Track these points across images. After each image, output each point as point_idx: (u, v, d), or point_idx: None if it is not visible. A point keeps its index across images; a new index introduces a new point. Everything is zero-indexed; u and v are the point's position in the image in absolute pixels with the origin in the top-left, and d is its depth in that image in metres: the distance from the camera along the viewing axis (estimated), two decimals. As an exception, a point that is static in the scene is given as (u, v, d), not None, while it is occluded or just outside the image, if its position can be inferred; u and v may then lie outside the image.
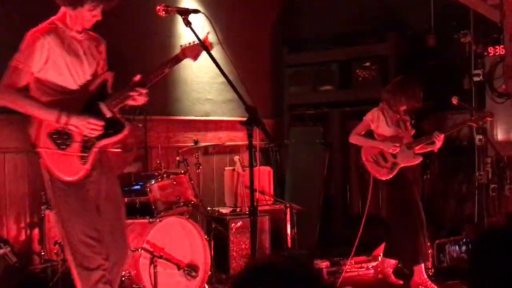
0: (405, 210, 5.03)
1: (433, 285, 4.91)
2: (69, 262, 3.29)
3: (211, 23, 3.14)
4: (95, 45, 3.36)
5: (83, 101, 3.22)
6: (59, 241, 4.55)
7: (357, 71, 6.85)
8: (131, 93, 3.25)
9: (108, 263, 3.31)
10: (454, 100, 5.08)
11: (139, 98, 3.30)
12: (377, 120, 5.14)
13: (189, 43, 3.33)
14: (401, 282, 5.13)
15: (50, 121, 3.12)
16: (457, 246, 5.37)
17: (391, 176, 5.06)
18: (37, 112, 3.11)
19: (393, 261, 5.20)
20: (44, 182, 3.30)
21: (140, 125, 5.70)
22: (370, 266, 5.43)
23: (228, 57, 3.03)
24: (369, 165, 5.15)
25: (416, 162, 5.11)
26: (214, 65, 6.81)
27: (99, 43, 3.41)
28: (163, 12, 3.02)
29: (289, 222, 6.31)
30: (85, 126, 3.12)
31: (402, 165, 5.03)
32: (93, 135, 3.19)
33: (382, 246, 5.46)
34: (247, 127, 2.92)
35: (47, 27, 3.17)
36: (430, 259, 5.14)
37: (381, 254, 5.35)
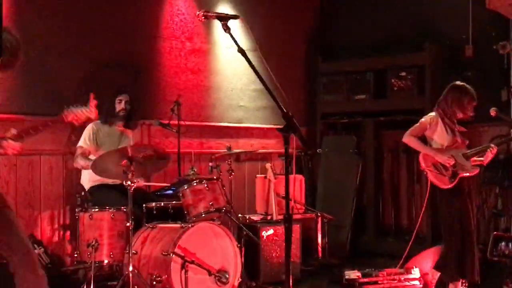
0: (455, 222, 4.90)
1: None
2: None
3: (248, 28, 3.15)
4: None
5: None
6: (92, 243, 4.60)
7: (393, 80, 6.81)
8: (4, 143, 3.33)
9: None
10: (493, 112, 4.97)
11: (9, 150, 3.36)
12: (435, 125, 4.93)
13: (76, 108, 3.47)
14: None
15: None
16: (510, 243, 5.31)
17: (452, 185, 4.86)
18: None
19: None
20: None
21: (174, 130, 5.75)
22: (402, 279, 5.35)
23: (265, 64, 3.00)
24: (430, 172, 4.91)
25: (474, 173, 4.98)
26: (247, 72, 6.91)
27: None
28: (203, 18, 3.03)
29: (320, 232, 6.28)
30: None
31: (462, 175, 4.90)
32: None
33: (416, 258, 5.39)
34: (284, 133, 2.89)
35: None
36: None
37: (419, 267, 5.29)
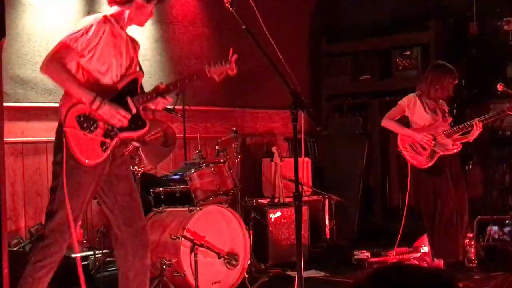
0: (441, 200, 4.91)
1: None
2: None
3: (255, 10, 3.11)
4: (132, 45, 3.46)
5: (113, 93, 3.31)
6: (100, 229, 4.60)
7: (397, 60, 6.78)
8: (157, 98, 3.38)
9: (128, 256, 3.40)
10: (500, 87, 4.94)
11: (160, 103, 3.42)
12: (413, 106, 4.98)
13: (216, 65, 3.40)
14: None
15: (81, 104, 3.19)
16: (498, 226, 5.24)
17: (430, 164, 4.92)
18: (75, 90, 3.16)
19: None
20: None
21: (179, 115, 5.72)
22: (411, 257, 5.35)
23: (272, 42, 2.97)
24: (407, 153, 4.99)
25: (455, 151, 4.98)
26: (252, 57, 6.87)
27: (135, 44, 3.52)
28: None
29: (328, 213, 6.28)
30: (114, 115, 3.21)
31: (441, 154, 4.91)
32: (118, 125, 3.28)
33: (423, 237, 5.38)
34: (292, 111, 2.87)
35: (105, 18, 3.27)
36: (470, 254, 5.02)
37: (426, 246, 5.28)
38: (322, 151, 7.29)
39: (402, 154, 5.04)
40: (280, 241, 5.60)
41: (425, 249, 5.37)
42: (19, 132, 5.17)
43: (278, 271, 5.32)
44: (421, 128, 4.97)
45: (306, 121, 3.12)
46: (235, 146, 5.70)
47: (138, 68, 3.50)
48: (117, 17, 3.34)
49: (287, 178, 5.87)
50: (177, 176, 5.24)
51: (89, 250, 4.90)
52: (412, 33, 6.74)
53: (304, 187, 6.17)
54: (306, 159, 6.59)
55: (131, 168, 4.27)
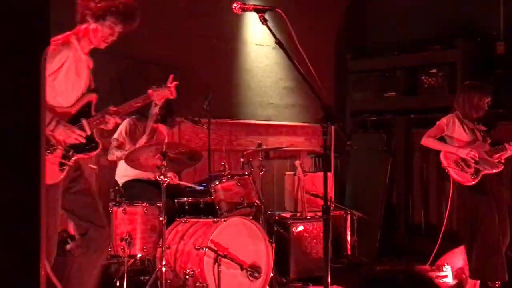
0: (477, 219, 4.86)
1: None
2: None
3: (286, 20, 3.14)
4: (88, 67, 3.55)
5: (69, 115, 3.42)
6: (125, 238, 4.63)
7: (423, 77, 6.75)
8: (107, 118, 3.52)
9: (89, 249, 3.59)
10: (527, 107, 4.92)
11: (110, 124, 3.57)
12: (453, 126, 4.92)
13: (158, 87, 3.75)
14: None
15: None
16: None
17: (475, 182, 4.83)
18: None
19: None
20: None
21: (205, 127, 5.76)
22: (434, 276, 5.30)
23: (305, 58, 3.00)
24: (452, 169, 4.89)
25: (498, 170, 4.93)
26: (277, 70, 6.91)
27: (90, 64, 3.58)
28: (240, 10, 3.04)
29: (349, 229, 6.25)
30: (69, 135, 3.33)
31: (485, 172, 4.86)
32: (76, 142, 3.39)
33: (447, 255, 5.33)
34: (323, 124, 2.88)
35: (66, 39, 3.36)
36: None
37: (451, 265, 5.23)
38: (345, 167, 7.28)
39: (447, 171, 4.95)
40: (302, 256, 5.58)
41: (448, 268, 5.32)
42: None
43: (299, 286, 5.31)
44: (464, 145, 4.93)
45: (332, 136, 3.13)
46: (260, 159, 5.71)
47: (91, 90, 3.58)
48: (77, 37, 3.41)
49: (310, 192, 5.87)
50: (201, 187, 5.26)
51: (112, 259, 4.92)
52: (439, 52, 6.71)
53: (331, 203, 6.18)
54: (329, 174, 6.57)
55: (158, 178, 4.36)
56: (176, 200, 4.96)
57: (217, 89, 6.39)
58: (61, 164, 3.37)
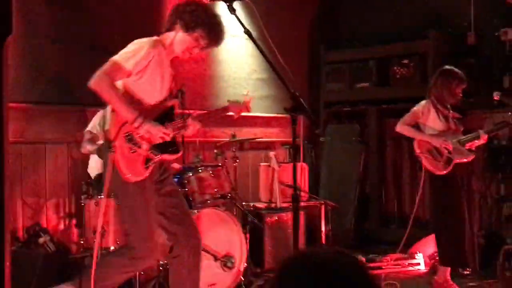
0: (454, 207, 4.90)
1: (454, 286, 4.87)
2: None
3: (254, 11, 3.14)
4: (170, 73, 3.61)
5: (154, 115, 3.44)
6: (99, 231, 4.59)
7: (395, 68, 6.80)
8: (189, 123, 3.62)
9: (183, 253, 3.66)
10: (496, 96, 4.96)
11: (190, 131, 3.66)
12: (428, 113, 4.92)
13: (236, 101, 3.92)
14: (451, 283, 4.96)
15: (126, 123, 3.33)
16: None
17: (446, 171, 4.86)
18: (121, 107, 3.30)
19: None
20: (108, 173, 3.40)
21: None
22: (406, 263, 5.37)
23: (274, 48, 3.00)
24: (425, 159, 4.91)
25: (470, 159, 4.95)
26: (250, 62, 6.89)
27: (172, 71, 3.66)
28: (208, 0, 3.04)
29: (324, 219, 6.27)
30: (156, 133, 3.36)
31: (457, 161, 4.88)
32: (160, 141, 3.44)
33: (419, 243, 5.40)
34: (291, 114, 2.89)
35: (156, 42, 3.44)
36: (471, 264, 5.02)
37: (423, 253, 5.29)
38: (319, 158, 7.31)
39: (419, 159, 4.97)
40: (276, 245, 5.60)
41: (420, 255, 5.39)
42: (18, 133, 5.15)
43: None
44: (437, 134, 4.94)
45: (305, 126, 3.15)
46: (233, 150, 5.72)
47: (173, 96, 3.67)
48: (164, 43, 3.48)
49: (284, 183, 5.89)
50: (175, 179, 5.24)
51: (85, 251, 4.89)
52: (410, 43, 6.76)
53: (301, 192, 6.21)
54: (304, 165, 6.60)
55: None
56: (149, 192, 4.93)
57: (190, 81, 6.37)
58: (146, 161, 3.42)
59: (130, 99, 3.36)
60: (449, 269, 4.95)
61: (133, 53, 3.32)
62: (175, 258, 3.66)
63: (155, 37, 3.47)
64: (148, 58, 3.34)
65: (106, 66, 3.29)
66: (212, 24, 3.45)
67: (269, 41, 3.20)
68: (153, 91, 3.44)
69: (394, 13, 7.13)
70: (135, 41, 3.44)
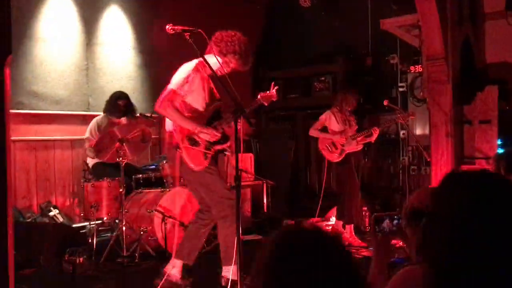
0: (347, 183, 4.99)
1: (357, 240, 4.91)
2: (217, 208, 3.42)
3: (208, 40, 3.05)
4: (209, 83, 3.51)
5: (205, 118, 3.41)
6: (94, 205, 4.45)
7: (315, 83, 6.81)
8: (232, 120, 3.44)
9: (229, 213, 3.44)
10: (385, 102, 5.01)
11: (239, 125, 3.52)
12: (329, 119, 5.05)
13: (263, 93, 3.66)
14: (355, 238, 5.04)
15: (185, 129, 3.31)
16: (389, 220, 5.25)
17: (340, 159, 5.00)
18: (184, 123, 3.31)
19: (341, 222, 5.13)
20: (177, 167, 3.43)
21: (155, 121, 5.59)
22: (324, 225, 5.38)
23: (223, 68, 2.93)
24: (324, 151, 5.07)
25: (359, 149, 5.05)
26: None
27: (210, 83, 3.55)
28: (171, 30, 2.92)
29: (265, 194, 6.25)
30: (209, 135, 3.34)
31: (348, 151, 4.96)
32: (212, 141, 3.39)
33: (332, 211, 5.42)
34: (234, 115, 2.83)
35: (197, 67, 3.37)
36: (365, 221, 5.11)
37: (334, 217, 5.30)
38: (262, 149, 7.27)
39: (321, 153, 5.10)
40: (229, 214, 5.54)
41: (333, 219, 5.40)
42: (33, 132, 4.96)
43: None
44: (335, 132, 5.02)
45: (252, 126, 3.11)
46: (197, 144, 5.61)
47: (218, 99, 3.56)
48: (203, 64, 3.33)
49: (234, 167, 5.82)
50: (153, 166, 5.13)
51: (85, 221, 4.74)
52: (325, 65, 6.78)
53: (248, 174, 6.16)
54: (251, 154, 6.56)
55: (119, 159, 4.20)
56: (133, 176, 4.80)
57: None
58: (205, 154, 3.36)
59: (188, 109, 3.33)
60: (352, 225, 4.98)
61: (184, 81, 3.31)
62: (223, 218, 3.46)
63: (197, 61, 3.37)
64: (195, 81, 3.34)
65: (166, 93, 3.28)
66: (241, 53, 3.42)
67: (218, 61, 3.12)
68: (201, 101, 3.38)
69: (314, 43, 7.14)
70: (183, 67, 3.39)
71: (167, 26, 2.91)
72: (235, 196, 3.08)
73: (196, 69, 3.35)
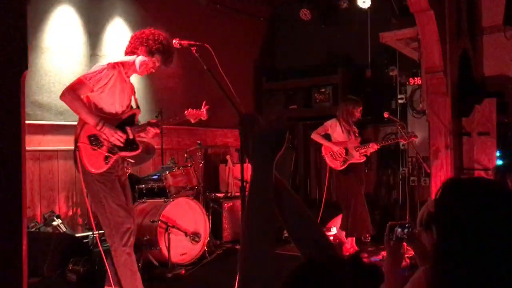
0: (350, 194, 4.99)
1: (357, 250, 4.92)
2: (106, 230, 3.23)
3: (212, 53, 3.11)
4: (130, 88, 3.40)
5: (116, 121, 3.25)
6: (97, 215, 4.46)
7: (315, 95, 6.85)
8: (148, 128, 3.35)
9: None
10: (386, 114, 5.07)
11: (150, 133, 3.39)
12: (334, 127, 5.06)
13: (192, 110, 3.49)
14: (356, 248, 5.04)
15: (90, 126, 3.12)
16: (400, 228, 5.24)
17: (342, 168, 4.99)
18: (84, 115, 3.10)
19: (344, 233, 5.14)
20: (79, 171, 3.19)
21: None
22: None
23: (227, 81, 2.98)
24: (327, 157, 5.07)
25: (361, 161, 5.06)
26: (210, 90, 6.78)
27: (132, 88, 3.45)
28: (178, 45, 2.98)
29: (266, 204, 6.25)
30: (112, 135, 3.14)
31: (351, 161, 4.98)
32: (117, 143, 3.19)
33: (333, 220, 5.43)
34: (239, 127, 2.86)
35: (113, 65, 3.20)
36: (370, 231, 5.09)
37: (336, 227, 5.31)
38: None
39: (324, 158, 5.10)
40: (231, 224, 5.57)
41: (334, 229, 5.41)
42: (37, 143, 4.99)
43: (229, 245, 5.29)
44: (338, 142, 5.04)
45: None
46: (199, 154, 5.65)
47: (136, 107, 3.42)
48: (124, 65, 3.26)
49: (237, 178, 5.86)
50: (155, 176, 5.15)
51: (88, 231, 4.75)
52: (326, 76, 6.82)
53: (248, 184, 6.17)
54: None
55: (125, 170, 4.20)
56: (136, 187, 4.83)
57: (167, 103, 6.28)
58: (106, 158, 3.16)
59: (94, 108, 3.15)
60: (354, 238, 5.00)
61: (95, 73, 3.14)
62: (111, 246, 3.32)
63: (117, 61, 3.25)
64: (108, 77, 3.14)
65: (73, 82, 3.11)
66: (167, 50, 3.28)
67: (223, 75, 3.17)
68: (113, 102, 3.20)
69: (315, 55, 7.20)
70: (99, 63, 3.27)
71: (173, 41, 2.97)
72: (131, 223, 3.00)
73: (112, 66, 3.18)
